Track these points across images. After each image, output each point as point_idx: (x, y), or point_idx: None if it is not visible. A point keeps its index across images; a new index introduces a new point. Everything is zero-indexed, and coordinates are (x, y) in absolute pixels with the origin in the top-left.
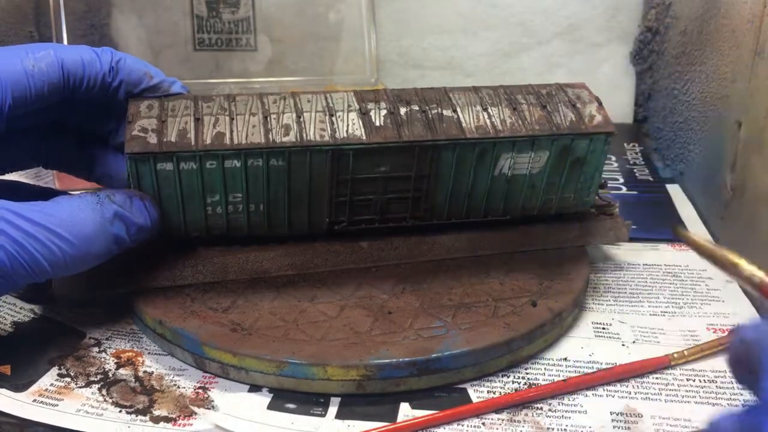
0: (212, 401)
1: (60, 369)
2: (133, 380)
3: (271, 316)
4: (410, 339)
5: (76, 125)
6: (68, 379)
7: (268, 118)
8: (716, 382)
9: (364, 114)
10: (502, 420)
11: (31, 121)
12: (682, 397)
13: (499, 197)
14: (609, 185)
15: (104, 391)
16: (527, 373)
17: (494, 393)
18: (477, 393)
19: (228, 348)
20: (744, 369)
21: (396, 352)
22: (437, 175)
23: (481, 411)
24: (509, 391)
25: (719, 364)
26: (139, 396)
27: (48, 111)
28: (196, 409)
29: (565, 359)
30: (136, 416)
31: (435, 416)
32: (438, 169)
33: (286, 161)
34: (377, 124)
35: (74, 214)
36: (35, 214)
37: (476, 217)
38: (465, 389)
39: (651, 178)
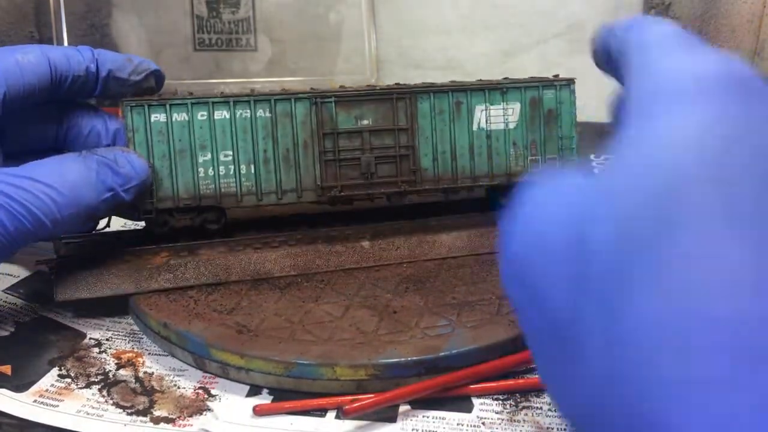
0: (212, 401)
1: (60, 369)
2: (134, 381)
3: (277, 317)
4: (417, 338)
5: (71, 143)
6: (69, 380)
7: (254, 91)
8: None
9: (341, 86)
10: (502, 420)
11: (28, 141)
12: None
13: (484, 156)
14: None
15: (105, 392)
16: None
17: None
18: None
19: (235, 350)
20: (606, 59)
21: (404, 351)
22: (418, 128)
23: (472, 377)
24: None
25: None
26: (140, 397)
27: (44, 129)
28: (197, 405)
29: None
30: (137, 417)
31: (425, 384)
32: (417, 121)
33: (272, 111)
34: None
35: (58, 164)
36: (20, 169)
37: (466, 182)
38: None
39: None
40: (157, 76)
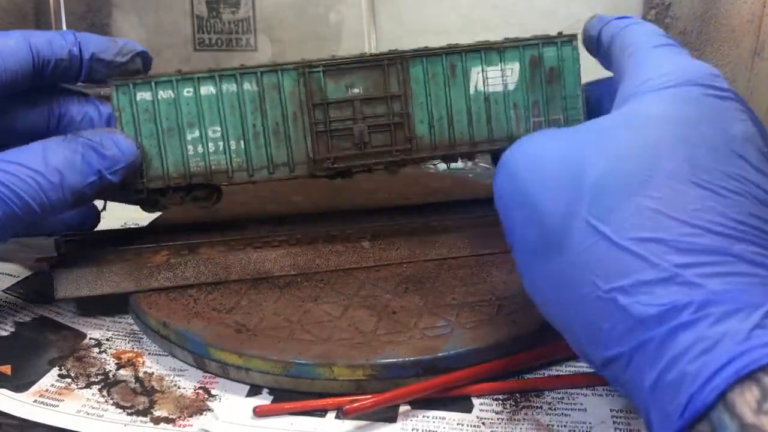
0: (212, 401)
1: (60, 369)
2: (134, 381)
3: (276, 317)
4: (416, 338)
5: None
6: (69, 380)
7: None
8: None
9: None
10: (502, 419)
11: (18, 132)
12: None
13: (482, 120)
14: None
15: (105, 392)
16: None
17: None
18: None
19: (234, 349)
20: (596, 46)
21: (402, 352)
22: (411, 94)
23: (471, 378)
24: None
25: None
26: (140, 397)
27: (34, 119)
28: (197, 405)
29: (566, 360)
30: (137, 417)
31: (426, 384)
32: (410, 88)
33: (259, 84)
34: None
35: (42, 149)
36: (5, 154)
37: (464, 148)
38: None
39: None
40: (144, 58)
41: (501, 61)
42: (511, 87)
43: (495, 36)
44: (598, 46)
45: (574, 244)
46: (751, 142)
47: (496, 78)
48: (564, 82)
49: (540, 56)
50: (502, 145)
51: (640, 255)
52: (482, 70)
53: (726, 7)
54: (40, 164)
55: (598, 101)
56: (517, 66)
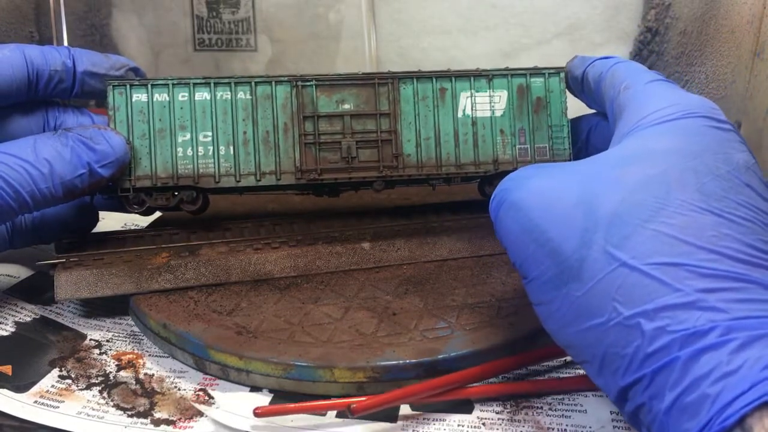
0: (213, 403)
1: (61, 370)
2: (134, 382)
3: (276, 319)
4: (416, 340)
5: None
6: (69, 381)
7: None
8: None
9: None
10: (503, 420)
11: None
12: None
13: (469, 143)
14: None
15: (105, 394)
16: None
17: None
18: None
19: (234, 351)
20: (579, 84)
21: (402, 354)
22: (400, 113)
23: (469, 380)
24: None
25: None
26: (140, 398)
27: (31, 133)
28: (198, 407)
29: (566, 361)
30: (137, 419)
31: (427, 384)
32: (399, 107)
33: (253, 94)
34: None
35: (33, 141)
36: None
37: (451, 169)
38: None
39: None
40: (137, 73)
41: (489, 88)
42: (498, 113)
43: (495, 36)
44: (582, 85)
45: (593, 272)
46: (753, 171)
47: (484, 103)
48: (550, 112)
49: (527, 86)
50: (488, 168)
51: (661, 279)
52: (471, 95)
53: (726, 8)
54: (30, 155)
55: (584, 134)
56: (504, 93)
